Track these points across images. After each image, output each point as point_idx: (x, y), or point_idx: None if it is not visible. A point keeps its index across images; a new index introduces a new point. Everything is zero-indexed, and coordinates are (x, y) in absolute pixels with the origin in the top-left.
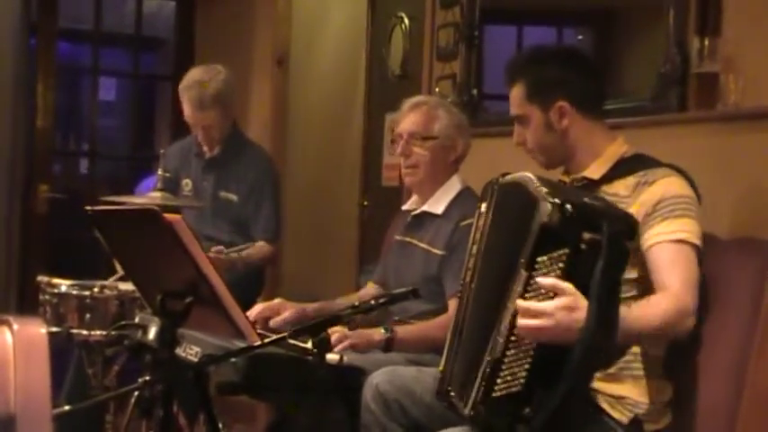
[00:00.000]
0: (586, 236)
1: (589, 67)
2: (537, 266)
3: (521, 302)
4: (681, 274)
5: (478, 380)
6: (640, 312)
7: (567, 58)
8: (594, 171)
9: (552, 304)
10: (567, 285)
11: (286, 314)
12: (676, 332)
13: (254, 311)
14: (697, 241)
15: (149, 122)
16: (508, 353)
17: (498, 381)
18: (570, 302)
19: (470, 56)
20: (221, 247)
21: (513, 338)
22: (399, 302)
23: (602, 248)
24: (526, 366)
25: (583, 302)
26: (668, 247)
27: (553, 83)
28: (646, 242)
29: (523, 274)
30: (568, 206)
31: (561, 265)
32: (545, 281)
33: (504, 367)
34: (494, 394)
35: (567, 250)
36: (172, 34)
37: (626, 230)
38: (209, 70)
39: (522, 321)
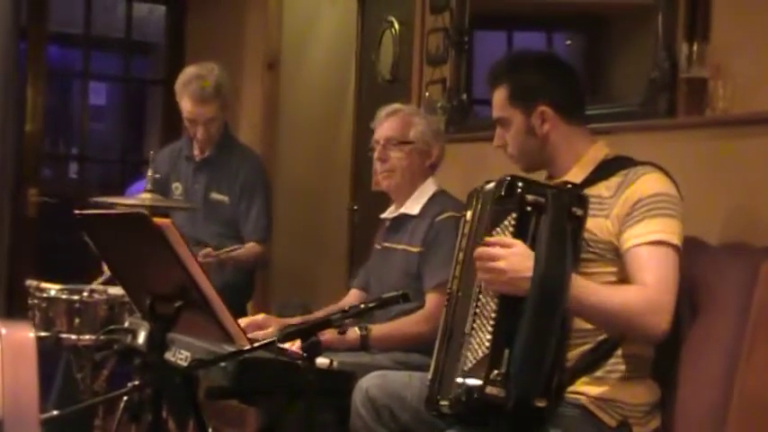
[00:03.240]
0: (530, 198)
1: (570, 72)
2: (493, 235)
3: (478, 249)
4: (656, 274)
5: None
6: (604, 290)
7: (550, 63)
8: (576, 174)
9: (504, 250)
10: (513, 240)
11: (271, 329)
12: (644, 327)
13: None
14: (676, 241)
15: (140, 127)
16: (474, 325)
17: (468, 354)
18: (520, 250)
19: (460, 61)
20: (209, 250)
21: (476, 309)
22: (389, 306)
23: (546, 208)
24: (489, 329)
25: (531, 252)
26: (645, 249)
27: (536, 87)
28: (624, 244)
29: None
30: (508, 178)
31: (512, 229)
32: (491, 238)
33: (472, 341)
34: (465, 368)
35: (514, 214)
36: (162, 38)
37: (571, 195)
38: (204, 66)
39: (480, 264)
